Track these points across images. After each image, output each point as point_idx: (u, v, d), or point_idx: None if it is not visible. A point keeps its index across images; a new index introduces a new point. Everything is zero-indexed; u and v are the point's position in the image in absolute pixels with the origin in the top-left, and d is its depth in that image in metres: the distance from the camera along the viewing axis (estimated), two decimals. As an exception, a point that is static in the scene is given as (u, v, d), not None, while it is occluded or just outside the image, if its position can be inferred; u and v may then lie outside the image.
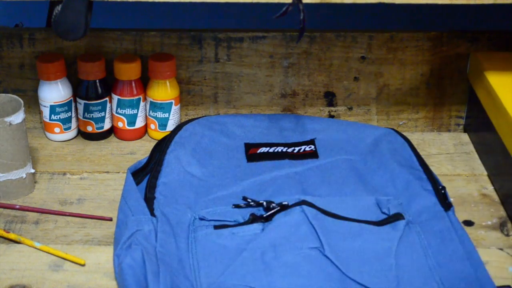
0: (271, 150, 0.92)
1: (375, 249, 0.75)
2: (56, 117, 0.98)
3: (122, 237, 0.76)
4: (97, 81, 0.97)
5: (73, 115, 0.99)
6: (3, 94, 0.87)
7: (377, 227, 0.78)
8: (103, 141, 1.01)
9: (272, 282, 0.71)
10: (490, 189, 0.92)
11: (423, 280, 0.72)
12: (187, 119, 0.99)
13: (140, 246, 0.73)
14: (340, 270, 0.72)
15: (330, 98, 1.03)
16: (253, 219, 0.79)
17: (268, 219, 0.79)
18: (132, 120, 0.99)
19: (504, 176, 0.90)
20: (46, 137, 1.01)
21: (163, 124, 1.00)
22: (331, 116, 1.04)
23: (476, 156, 0.99)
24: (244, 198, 0.82)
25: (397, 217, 0.79)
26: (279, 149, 0.93)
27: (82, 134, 1.01)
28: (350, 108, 1.04)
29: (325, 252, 0.74)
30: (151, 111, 0.99)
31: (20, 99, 0.86)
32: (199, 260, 0.74)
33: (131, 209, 0.79)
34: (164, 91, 0.98)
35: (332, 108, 1.04)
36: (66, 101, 0.97)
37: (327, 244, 0.75)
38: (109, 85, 0.99)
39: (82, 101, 0.98)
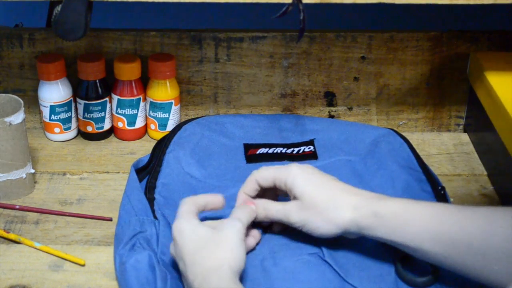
0: (270, 151, 0.92)
1: (374, 254, 0.75)
2: (56, 117, 0.98)
3: (124, 235, 0.75)
4: (97, 81, 0.97)
5: (73, 115, 0.99)
6: (3, 94, 0.87)
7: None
8: (103, 141, 1.01)
9: None
10: (490, 189, 0.92)
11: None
12: (187, 119, 0.99)
13: (147, 250, 0.73)
14: (339, 276, 0.72)
15: (330, 98, 1.03)
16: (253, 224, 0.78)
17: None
18: (132, 120, 0.99)
19: (504, 176, 0.90)
20: (46, 137, 1.01)
21: (163, 124, 1.00)
22: (331, 116, 1.04)
23: (476, 156, 0.99)
24: None
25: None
26: (278, 150, 0.92)
27: (82, 134, 1.01)
28: (350, 108, 1.04)
29: (324, 257, 0.74)
30: (151, 111, 0.99)
31: (20, 99, 0.86)
32: None
33: (134, 209, 0.79)
34: (164, 91, 0.98)
35: (332, 108, 1.04)
36: (66, 101, 0.97)
37: (327, 249, 0.75)
38: (109, 85, 0.99)
39: (82, 101, 0.98)
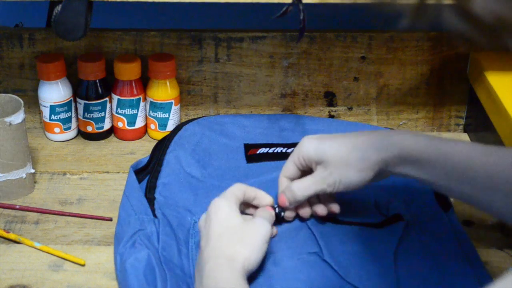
0: (271, 150, 0.92)
1: (375, 252, 0.75)
2: (56, 117, 0.98)
3: (124, 235, 0.76)
4: (97, 81, 0.97)
5: (73, 115, 0.99)
6: (3, 94, 0.87)
7: (376, 229, 0.78)
8: (103, 141, 1.01)
9: None
10: (490, 189, 0.92)
11: (422, 282, 0.72)
12: (187, 119, 0.99)
13: (145, 248, 0.73)
14: (339, 275, 0.72)
15: (330, 98, 1.03)
16: None
17: None
18: (132, 120, 0.99)
19: (504, 176, 0.90)
20: (46, 137, 1.01)
21: (163, 124, 1.00)
22: (331, 116, 1.04)
23: (476, 156, 0.99)
24: None
25: (397, 218, 0.79)
26: (279, 149, 0.93)
27: (82, 134, 1.01)
28: (350, 108, 1.04)
29: (324, 256, 0.74)
30: (151, 111, 0.99)
31: (20, 99, 0.86)
32: None
33: (133, 208, 0.79)
34: (164, 91, 0.98)
35: (332, 108, 1.04)
36: (66, 101, 0.97)
37: (326, 248, 0.75)
38: (109, 85, 0.99)
39: (82, 101, 0.98)
